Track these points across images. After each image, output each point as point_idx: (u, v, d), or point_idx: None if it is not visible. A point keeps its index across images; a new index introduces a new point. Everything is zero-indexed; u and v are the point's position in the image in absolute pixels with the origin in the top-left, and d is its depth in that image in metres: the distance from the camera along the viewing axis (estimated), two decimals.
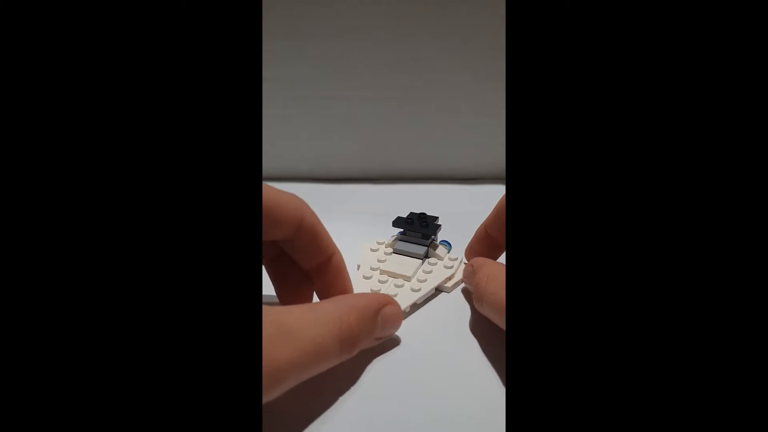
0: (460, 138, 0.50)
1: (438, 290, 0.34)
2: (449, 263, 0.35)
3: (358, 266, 0.36)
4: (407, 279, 0.33)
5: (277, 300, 0.30)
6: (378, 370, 0.27)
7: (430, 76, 0.47)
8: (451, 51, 0.46)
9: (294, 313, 0.22)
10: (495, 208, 0.33)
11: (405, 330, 0.29)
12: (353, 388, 0.25)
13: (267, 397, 0.19)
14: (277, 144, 0.50)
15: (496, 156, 0.51)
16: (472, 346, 0.28)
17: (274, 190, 0.25)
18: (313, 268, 0.29)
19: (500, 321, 0.26)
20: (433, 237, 0.36)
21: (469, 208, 0.38)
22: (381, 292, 0.32)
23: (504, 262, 0.31)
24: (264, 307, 0.19)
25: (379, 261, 0.36)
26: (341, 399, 0.24)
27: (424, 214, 0.37)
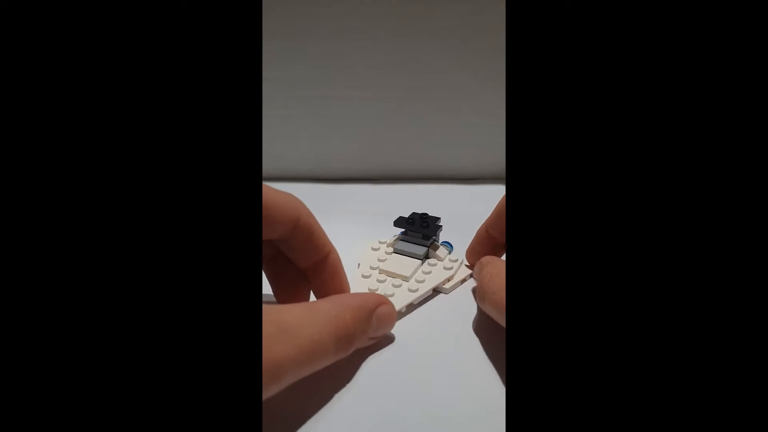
0: (460, 138, 0.50)
1: (436, 291, 0.34)
2: (449, 264, 0.35)
3: (359, 265, 0.36)
4: (405, 279, 0.33)
5: (274, 299, 0.30)
6: (372, 368, 0.27)
7: (430, 76, 0.47)
8: (451, 51, 0.46)
9: (292, 311, 0.22)
10: (495, 208, 0.33)
11: (400, 330, 0.29)
12: (348, 386, 0.25)
13: (266, 393, 0.19)
14: (277, 144, 0.50)
15: (496, 156, 0.51)
16: (466, 346, 0.28)
17: (270, 189, 0.25)
18: (309, 267, 0.29)
19: (501, 319, 0.26)
20: (433, 238, 0.36)
21: (469, 208, 0.38)
22: (378, 291, 0.32)
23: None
24: (263, 306, 0.19)
25: (379, 260, 0.36)
26: (336, 396, 0.25)
27: (426, 214, 0.37)
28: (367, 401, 0.25)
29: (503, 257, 0.33)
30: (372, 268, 0.35)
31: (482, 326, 0.30)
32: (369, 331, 0.26)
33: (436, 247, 0.36)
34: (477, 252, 0.34)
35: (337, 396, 0.25)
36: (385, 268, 0.34)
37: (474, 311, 0.31)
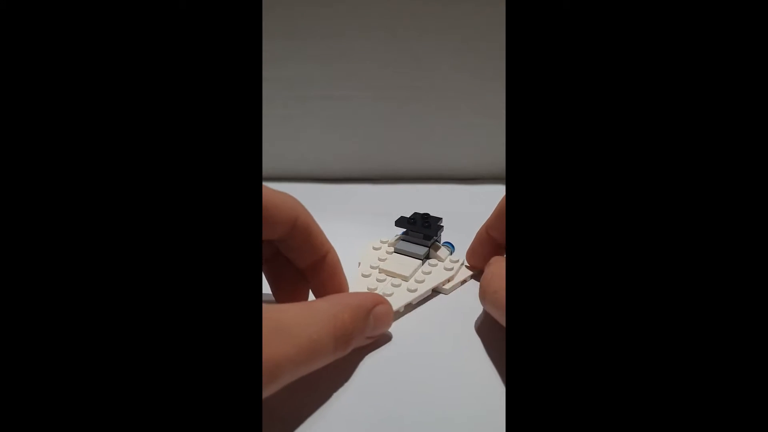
0: (460, 138, 0.50)
1: (436, 292, 0.34)
2: (449, 265, 0.35)
3: (359, 264, 0.36)
4: (405, 279, 0.33)
5: (272, 298, 0.30)
6: (370, 367, 0.27)
7: (430, 76, 0.47)
8: (451, 51, 0.46)
9: (290, 311, 0.22)
10: (496, 209, 0.33)
11: (398, 329, 0.29)
12: (346, 385, 0.26)
13: (265, 392, 0.19)
14: (277, 144, 0.50)
15: (496, 156, 0.51)
16: (464, 346, 0.29)
17: (268, 190, 0.25)
18: (308, 266, 0.29)
19: (501, 318, 0.26)
20: (434, 238, 0.36)
21: (469, 208, 0.38)
22: (377, 290, 0.32)
23: None
24: (262, 305, 0.19)
25: (379, 260, 0.36)
26: (335, 396, 0.25)
27: (427, 214, 0.37)
28: (365, 400, 0.25)
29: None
30: (372, 268, 0.35)
31: (481, 327, 0.30)
32: (367, 330, 0.26)
33: (437, 248, 0.36)
34: (477, 253, 0.34)
35: (335, 395, 0.25)
36: (384, 268, 0.34)
37: (473, 312, 0.31)
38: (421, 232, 0.36)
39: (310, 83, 0.48)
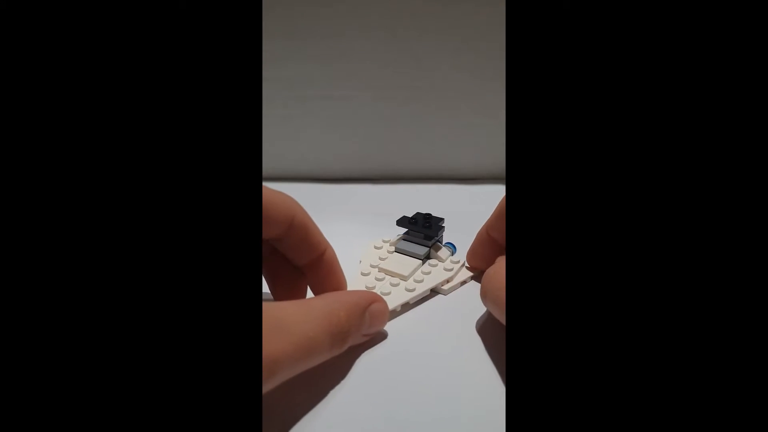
0: (460, 138, 0.50)
1: (435, 292, 0.34)
2: (450, 266, 0.34)
3: (360, 261, 0.36)
4: (403, 278, 0.33)
5: (270, 296, 0.31)
6: (366, 365, 0.27)
7: (430, 76, 0.47)
8: (451, 51, 0.46)
9: (287, 308, 0.23)
10: (496, 209, 0.33)
11: (394, 328, 0.30)
12: (342, 383, 0.26)
13: (263, 389, 0.19)
14: (277, 144, 0.50)
15: (496, 156, 0.51)
16: (460, 345, 0.29)
17: (265, 189, 0.26)
18: (306, 264, 0.29)
19: (501, 316, 0.26)
20: (435, 238, 0.36)
21: (469, 208, 0.38)
22: (375, 289, 0.32)
23: None
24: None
25: (380, 259, 0.36)
26: (332, 393, 0.25)
27: (429, 214, 0.37)
28: (361, 397, 0.25)
29: None
30: (372, 266, 0.35)
31: (479, 327, 0.30)
32: (362, 327, 0.26)
33: (438, 248, 0.36)
34: (478, 254, 0.34)
35: (332, 392, 0.25)
36: (384, 267, 0.34)
37: (471, 312, 0.31)
38: (422, 232, 0.36)
39: (310, 83, 0.48)
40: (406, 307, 0.32)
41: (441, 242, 0.37)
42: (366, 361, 0.27)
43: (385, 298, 0.29)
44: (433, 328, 0.30)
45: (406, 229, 0.37)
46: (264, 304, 0.20)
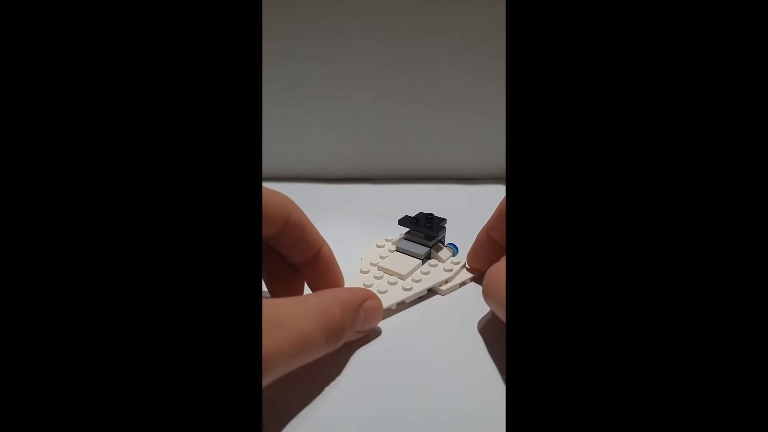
0: (460, 138, 0.50)
1: (432, 292, 0.34)
2: (449, 266, 0.34)
3: (361, 259, 0.36)
4: (401, 277, 0.33)
5: (266, 293, 0.31)
6: (361, 362, 0.27)
7: (430, 76, 0.47)
8: (451, 51, 0.46)
9: (282, 305, 0.23)
10: (496, 210, 0.32)
11: (389, 326, 0.30)
12: (337, 379, 0.26)
13: None
14: (277, 144, 0.50)
15: (496, 156, 0.51)
16: (454, 345, 0.29)
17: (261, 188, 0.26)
18: (302, 262, 0.29)
19: (502, 315, 0.26)
20: (436, 238, 0.36)
21: (469, 208, 0.38)
22: (373, 287, 0.32)
23: None
24: None
25: (380, 257, 0.36)
26: (327, 389, 0.25)
27: (432, 215, 0.37)
28: (356, 393, 0.25)
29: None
30: (372, 264, 0.35)
31: (475, 327, 0.30)
32: (357, 324, 0.26)
33: (439, 248, 0.36)
34: (478, 255, 0.34)
35: (327, 388, 0.25)
36: (383, 266, 0.34)
37: (469, 313, 0.31)
38: (423, 232, 0.36)
39: (310, 83, 0.48)
40: (402, 305, 0.32)
41: (443, 243, 0.37)
42: (360, 358, 0.28)
43: (381, 296, 0.29)
44: (428, 327, 0.30)
45: (408, 229, 0.37)
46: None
